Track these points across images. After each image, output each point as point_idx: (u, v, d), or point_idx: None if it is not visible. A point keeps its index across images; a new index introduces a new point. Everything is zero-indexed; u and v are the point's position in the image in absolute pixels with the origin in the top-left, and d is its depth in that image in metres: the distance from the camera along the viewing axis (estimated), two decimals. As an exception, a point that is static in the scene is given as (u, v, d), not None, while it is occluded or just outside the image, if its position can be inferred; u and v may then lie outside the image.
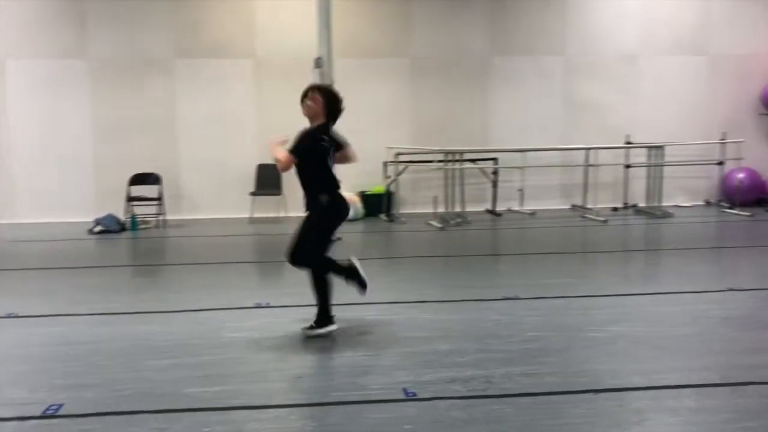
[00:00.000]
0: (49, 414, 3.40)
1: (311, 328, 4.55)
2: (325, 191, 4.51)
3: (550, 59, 11.56)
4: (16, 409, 3.46)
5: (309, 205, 4.55)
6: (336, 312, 4.69)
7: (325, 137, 4.57)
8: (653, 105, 11.70)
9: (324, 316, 4.57)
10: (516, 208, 11.39)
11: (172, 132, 10.90)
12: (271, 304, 5.43)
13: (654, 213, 10.63)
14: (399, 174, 10.82)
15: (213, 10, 10.84)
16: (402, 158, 10.74)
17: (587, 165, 10.91)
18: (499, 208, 11.26)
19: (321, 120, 4.59)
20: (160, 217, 10.35)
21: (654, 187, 10.85)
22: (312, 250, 4.48)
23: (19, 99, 10.63)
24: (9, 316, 5.23)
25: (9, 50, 10.54)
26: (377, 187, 11.07)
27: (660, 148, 10.71)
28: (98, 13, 10.63)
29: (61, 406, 3.49)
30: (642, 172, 11.27)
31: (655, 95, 11.72)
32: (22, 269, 7.30)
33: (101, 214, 9.99)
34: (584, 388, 3.64)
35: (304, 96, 4.63)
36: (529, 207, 11.28)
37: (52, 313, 5.30)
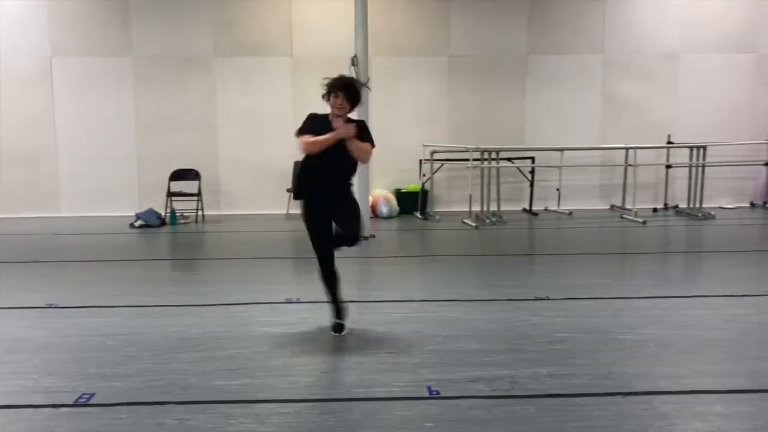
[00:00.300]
0: (81, 402, 3.50)
1: (341, 327, 4.61)
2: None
3: (589, 58, 11.39)
4: (51, 396, 3.57)
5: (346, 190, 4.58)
6: (365, 310, 4.72)
7: None
8: (695, 104, 11.44)
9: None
10: (553, 207, 11.28)
11: (211, 129, 11.08)
12: (301, 300, 5.49)
13: (695, 214, 10.41)
14: (434, 172, 10.80)
15: (252, 10, 10.97)
16: (438, 156, 10.72)
17: (627, 165, 10.72)
18: (536, 207, 11.16)
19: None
20: (199, 213, 10.54)
21: (696, 188, 10.61)
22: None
23: (64, 96, 10.93)
24: (49, 307, 5.39)
25: (55, 48, 10.84)
26: (412, 185, 11.08)
27: (703, 147, 10.47)
28: (142, 12, 10.86)
29: (93, 395, 3.59)
30: (683, 173, 11.04)
31: (698, 94, 11.45)
32: (63, 261, 7.51)
33: (142, 209, 10.23)
34: (611, 391, 3.59)
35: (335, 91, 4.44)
36: (566, 207, 11.15)
37: (90, 305, 5.45)
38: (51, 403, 3.49)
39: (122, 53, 10.92)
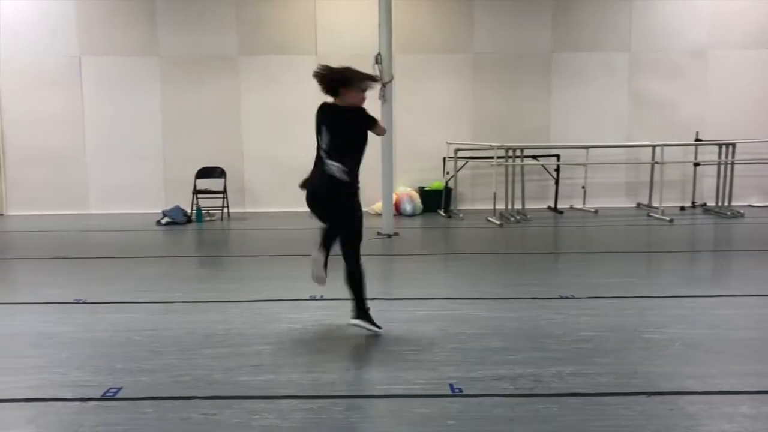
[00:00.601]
0: (108, 396, 3.56)
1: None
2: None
3: (615, 55, 11.27)
4: (79, 390, 3.63)
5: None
6: (388, 308, 4.71)
7: None
8: (724, 101, 11.26)
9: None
10: (578, 205, 11.19)
11: (236, 127, 11.17)
12: (325, 297, 5.50)
13: (724, 213, 10.25)
14: (458, 170, 10.77)
15: (276, 8, 11.03)
16: (462, 154, 10.69)
17: (654, 162, 10.60)
18: (561, 205, 11.07)
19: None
20: (225, 210, 10.63)
21: (725, 186, 10.45)
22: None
23: (92, 95, 11.09)
24: (77, 302, 5.48)
25: (84, 48, 11.00)
26: (436, 182, 11.06)
27: (732, 145, 10.31)
28: (168, 12, 10.98)
29: (119, 389, 3.64)
30: (711, 171, 10.88)
31: (727, 90, 11.27)
32: (91, 258, 7.62)
33: (169, 206, 10.35)
34: (636, 390, 3.56)
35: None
36: (592, 205, 11.05)
37: (117, 301, 5.52)
38: (79, 396, 3.55)
39: (149, 53, 11.04)
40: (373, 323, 4.48)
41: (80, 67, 11.02)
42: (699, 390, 3.56)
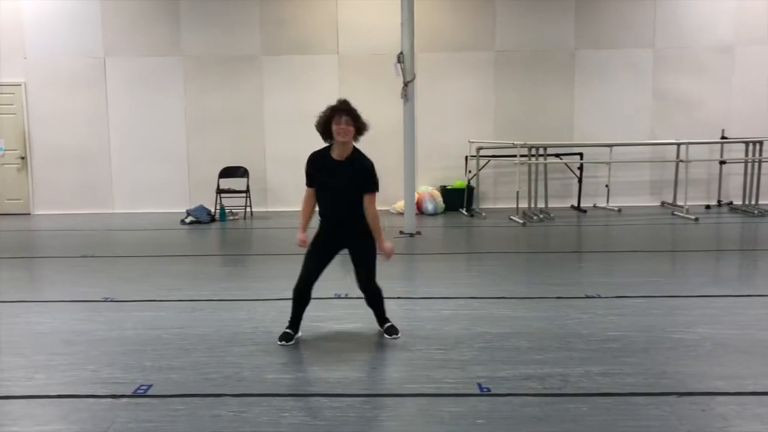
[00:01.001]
0: (139, 393, 3.60)
1: (393, 329, 4.53)
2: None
3: (639, 51, 11.17)
4: (111, 387, 3.68)
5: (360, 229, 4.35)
6: (413, 306, 4.71)
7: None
8: (751, 98, 11.12)
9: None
10: (602, 204, 11.11)
11: (259, 127, 11.23)
12: (350, 296, 5.52)
13: (751, 211, 10.12)
14: (480, 168, 10.74)
15: (298, 9, 11.07)
16: (484, 153, 10.66)
17: (678, 160, 10.49)
18: (585, 204, 11.00)
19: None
20: (247, 209, 10.70)
21: (752, 185, 10.32)
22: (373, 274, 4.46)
23: (117, 95, 11.20)
24: (106, 300, 5.55)
25: (108, 49, 11.12)
26: (458, 181, 11.04)
27: (759, 143, 10.18)
28: (191, 12, 11.06)
29: (150, 386, 3.69)
30: (737, 169, 10.76)
31: (753, 87, 11.14)
32: (118, 256, 7.71)
33: (193, 206, 10.44)
34: (666, 391, 3.54)
35: (337, 115, 4.18)
36: (615, 203, 10.97)
37: (145, 299, 5.59)
38: (110, 393, 3.60)
39: (172, 53, 11.13)
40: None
41: (105, 67, 11.14)
42: (731, 391, 3.52)
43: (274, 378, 3.80)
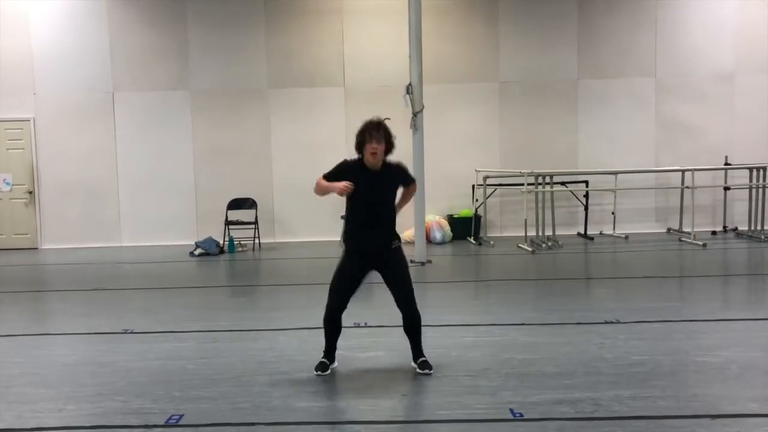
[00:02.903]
0: (172, 423, 3.59)
1: (426, 364, 4.37)
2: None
3: (641, 80, 11.33)
4: (142, 417, 3.67)
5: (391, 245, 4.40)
6: (434, 334, 4.73)
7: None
8: (753, 124, 11.26)
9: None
10: (608, 231, 11.16)
11: (266, 158, 11.30)
12: (369, 324, 5.53)
13: (757, 237, 10.18)
14: (487, 197, 10.81)
15: (304, 41, 11.22)
16: (490, 181, 10.74)
17: (684, 187, 10.58)
18: (591, 231, 11.05)
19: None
20: (256, 240, 10.72)
21: (757, 210, 10.40)
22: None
23: (125, 129, 11.28)
24: (125, 332, 5.54)
25: (117, 83, 11.23)
26: (465, 210, 11.10)
27: (763, 169, 10.28)
28: (199, 46, 11.20)
29: (182, 416, 3.68)
30: (742, 195, 10.84)
31: (755, 114, 11.27)
32: (130, 289, 7.70)
33: (201, 238, 10.46)
34: (699, 413, 3.54)
35: (370, 135, 4.26)
36: (622, 230, 11.02)
37: (164, 330, 5.58)
38: (143, 423, 3.59)
39: (180, 87, 11.25)
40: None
41: (113, 102, 11.24)
42: (764, 413, 3.53)
43: (305, 406, 3.80)
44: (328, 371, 4.38)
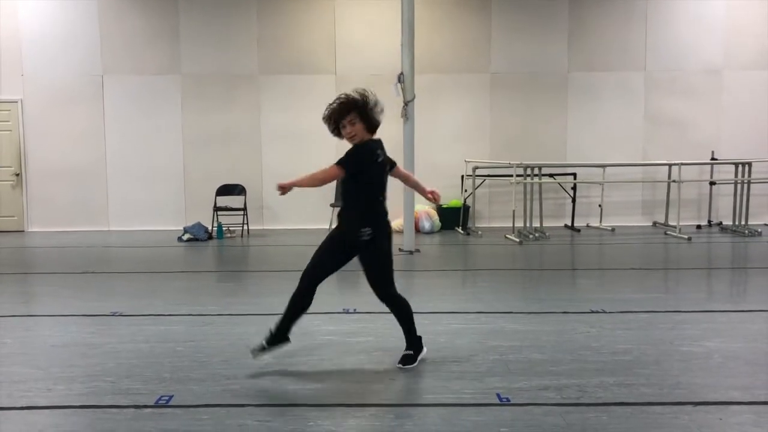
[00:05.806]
0: (161, 404, 3.61)
1: (408, 359, 4.20)
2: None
3: (631, 74, 11.40)
4: (132, 398, 3.69)
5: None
6: (422, 321, 4.75)
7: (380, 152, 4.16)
8: (739, 120, 11.38)
9: (417, 340, 4.30)
10: (595, 224, 11.25)
11: (256, 145, 11.28)
12: (358, 310, 5.57)
13: (741, 231, 10.30)
14: (476, 188, 10.86)
15: (296, 28, 11.19)
16: (479, 172, 10.79)
17: (670, 181, 10.68)
18: (578, 223, 11.14)
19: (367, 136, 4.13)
20: (245, 227, 10.72)
21: (741, 205, 10.52)
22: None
23: (114, 113, 11.22)
24: (114, 315, 5.55)
25: (106, 67, 11.16)
26: (454, 200, 11.14)
27: (748, 164, 10.39)
28: (190, 31, 11.15)
29: (171, 397, 3.70)
30: (727, 190, 10.97)
31: (741, 110, 11.39)
32: (119, 272, 7.69)
33: (189, 223, 10.44)
34: (682, 401, 3.61)
35: (335, 119, 4.11)
36: (608, 223, 11.12)
37: (153, 313, 5.59)
38: (133, 404, 3.61)
39: (171, 71, 11.19)
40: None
41: (103, 85, 11.17)
42: (745, 401, 3.60)
43: (295, 389, 3.83)
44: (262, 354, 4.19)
